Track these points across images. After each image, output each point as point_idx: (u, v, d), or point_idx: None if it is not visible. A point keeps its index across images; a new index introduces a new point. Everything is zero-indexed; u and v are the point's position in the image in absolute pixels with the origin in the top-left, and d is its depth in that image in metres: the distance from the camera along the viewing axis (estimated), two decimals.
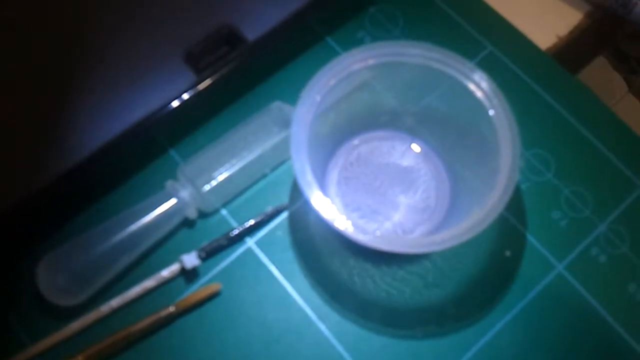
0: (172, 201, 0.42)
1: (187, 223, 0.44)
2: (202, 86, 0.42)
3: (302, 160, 0.37)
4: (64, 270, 0.39)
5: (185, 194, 0.42)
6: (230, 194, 0.44)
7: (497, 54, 0.50)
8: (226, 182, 0.43)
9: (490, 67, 0.49)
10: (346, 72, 0.40)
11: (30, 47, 0.42)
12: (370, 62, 0.40)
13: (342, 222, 0.36)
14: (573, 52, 0.51)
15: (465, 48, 0.49)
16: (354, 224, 0.36)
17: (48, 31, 0.43)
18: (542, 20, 0.51)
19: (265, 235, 0.44)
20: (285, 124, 0.43)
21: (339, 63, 0.40)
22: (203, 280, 0.42)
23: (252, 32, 0.43)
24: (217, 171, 0.42)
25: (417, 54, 0.40)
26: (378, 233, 0.43)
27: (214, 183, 0.42)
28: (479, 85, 0.40)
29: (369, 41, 0.49)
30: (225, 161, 0.43)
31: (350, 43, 0.49)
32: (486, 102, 0.40)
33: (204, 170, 0.42)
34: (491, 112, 0.39)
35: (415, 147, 0.46)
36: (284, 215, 0.44)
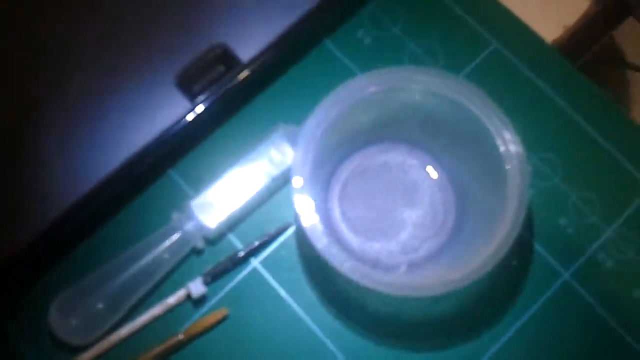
0: (178, 235, 0.41)
1: (195, 250, 0.43)
2: (197, 111, 0.41)
3: (303, 200, 0.37)
4: (76, 313, 0.40)
5: (191, 226, 0.42)
6: (237, 220, 0.44)
7: (502, 51, 0.47)
8: (234, 213, 0.43)
9: (495, 65, 0.47)
10: (350, 101, 0.39)
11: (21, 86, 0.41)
12: (372, 89, 0.39)
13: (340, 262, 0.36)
14: (581, 43, 0.49)
15: (469, 44, 0.47)
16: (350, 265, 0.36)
17: (39, 64, 0.41)
18: (548, 11, 0.49)
19: (270, 255, 0.44)
20: (291, 144, 0.42)
21: (343, 90, 0.39)
22: (210, 302, 0.42)
23: (245, 51, 0.41)
24: (224, 205, 0.42)
25: (423, 81, 0.39)
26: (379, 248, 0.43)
27: (221, 217, 0.42)
28: (487, 115, 0.39)
29: (369, 41, 0.47)
30: (233, 194, 0.43)
31: (350, 44, 0.47)
32: (492, 129, 0.39)
33: (210, 205, 0.42)
34: (501, 148, 0.39)
35: (419, 161, 0.45)
36: (288, 234, 0.44)
